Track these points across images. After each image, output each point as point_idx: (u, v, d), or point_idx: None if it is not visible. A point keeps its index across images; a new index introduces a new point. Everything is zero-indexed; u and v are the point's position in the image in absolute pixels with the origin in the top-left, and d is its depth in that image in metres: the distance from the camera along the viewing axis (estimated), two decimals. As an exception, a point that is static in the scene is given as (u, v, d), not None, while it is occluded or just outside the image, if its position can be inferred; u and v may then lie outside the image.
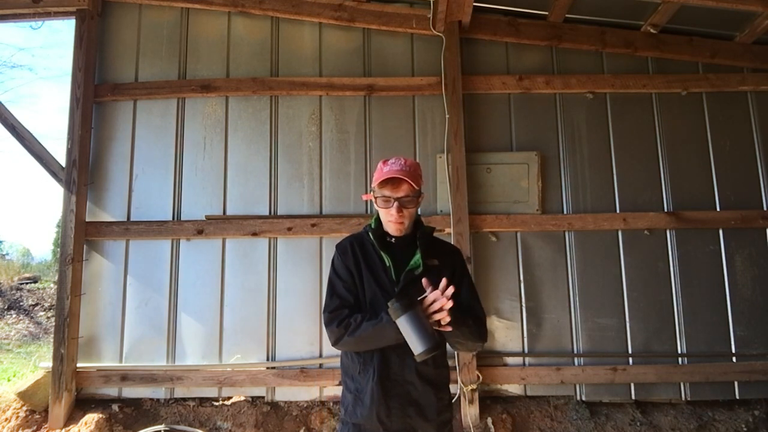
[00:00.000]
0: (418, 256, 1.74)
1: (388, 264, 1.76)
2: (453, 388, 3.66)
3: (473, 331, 1.72)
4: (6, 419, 3.55)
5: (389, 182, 1.73)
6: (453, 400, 3.53)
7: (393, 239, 1.80)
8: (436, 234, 1.93)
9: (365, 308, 1.76)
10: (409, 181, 1.71)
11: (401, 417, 1.72)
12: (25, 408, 3.64)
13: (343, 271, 1.82)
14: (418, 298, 1.58)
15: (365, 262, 1.80)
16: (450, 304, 1.55)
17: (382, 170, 1.76)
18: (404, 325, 1.53)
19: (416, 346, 1.53)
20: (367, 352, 1.74)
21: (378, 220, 1.84)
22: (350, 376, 1.80)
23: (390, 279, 1.75)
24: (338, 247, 1.88)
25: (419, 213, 1.86)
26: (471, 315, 1.75)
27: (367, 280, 1.77)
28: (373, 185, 1.78)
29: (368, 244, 1.82)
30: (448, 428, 1.80)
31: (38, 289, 9.17)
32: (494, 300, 3.85)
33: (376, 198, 1.78)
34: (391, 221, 1.76)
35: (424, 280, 1.61)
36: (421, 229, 1.84)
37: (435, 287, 1.61)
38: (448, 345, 1.82)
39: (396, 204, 1.72)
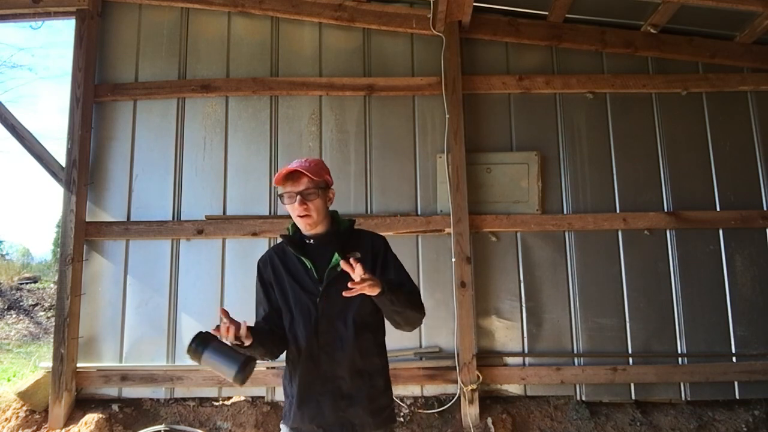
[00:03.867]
0: (336, 256, 1.73)
1: (309, 266, 1.78)
2: (453, 388, 3.67)
3: (408, 298, 1.73)
4: (6, 419, 3.55)
5: (288, 178, 1.76)
6: (453, 401, 3.54)
7: (311, 240, 1.81)
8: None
9: (292, 315, 1.79)
10: (308, 174, 1.74)
11: (333, 411, 1.73)
12: (25, 408, 3.63)
13: (258, 290, 1.90)
14: (209, 332, 1.58)
15: (286, 270, 1.82)
16: (364, 278, 1.52)
17: (280, 171, 1.78)
18: (208, 362, 1.54)
19: (227, 373, 1.54)
20: (295, 356, 1.77)
21: (294, 226, 1.86)
22: (287, 381, 1.83)
23: (313, 280, 1.77)
24: (260, 260, 1.93)
25: (334, 209, 1.91)
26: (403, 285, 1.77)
27: (291, 286, 1.79)
28: (275, 185, 1.79)
29: (289, 251, 1.83)
30: (387, 413, 1.81)
31: (38, 289, 9.17)
32: (494, 300, 3.85)
33: (281, 198, 1.79)
34: (298, 216, 1.77)
35: (341, 262, 1.59)
36: (338, 225, 1.85)
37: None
38: (386, 328, 1.85)
39: (299, 197, 1.73)
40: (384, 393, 1.82)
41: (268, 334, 1.77)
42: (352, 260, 1.55)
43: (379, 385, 1.80)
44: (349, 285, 1.53)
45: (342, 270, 1.65)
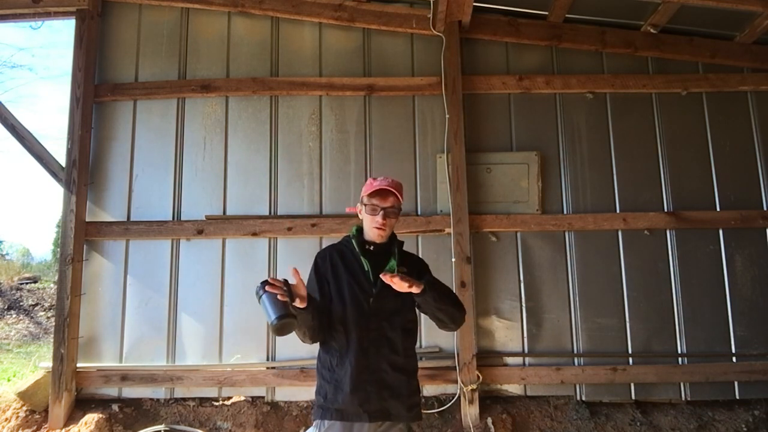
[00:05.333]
0: (393, 262, 1.99)
1: (366, 268, 2.00)
2: (453, 388, 3.67)
3: (449, 295, 2.00)
4: (6, 419, 3.55)
5: (378, 194, 1.99)
6: (454, 401, 3.54)
7: (371, 247, 2.04)
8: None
9: (345, 309, 1.98)
10: (396, 194, 1.99)
11: (378, 400, 1.93)
12: (25, 408, 3.63)
13: (312, 280, 2.06)
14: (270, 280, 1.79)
15: (345, 267, 2.04)
16: (401, 281, 1.80)
17: (373, 184, 2.01)
18: (262, 303, 1.77)
19: (268, 318, 1.73)
20: (344, 345, 1.97)
21: (358, 230, 2.09)
22: (327, 368, 2.00)
23: (368, 281, 1.99)
24: (318, 255, 2.13)
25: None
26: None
27: (348, 282, 2.01)
28: (362, 195, 2.03)
29: (348, 252, 2.07)
30: (417, 410, 2.03)
31: (38, 289, 9.17)
32: (494, 300, 3.85)
33: (365, 206, 2.02)
34: (375, 227, 1.99)
35: (383, 275, 1.83)
36: (395, 240, 2.10)
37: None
38: (419, 333, 2.10)
39: (382, 212, 1.97)
40: (417, 392, 2.07)
41: (322, 315, 1.95)
42: (392, 274, 1.82)
43: (415, 384, 2.05)
44: (395, 282, 1.79)
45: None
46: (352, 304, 1.97)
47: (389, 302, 1.97)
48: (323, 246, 3.83)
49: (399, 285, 1.81)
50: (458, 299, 2.07)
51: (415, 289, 1.83)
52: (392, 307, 1.98)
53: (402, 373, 1.98)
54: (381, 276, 1.83)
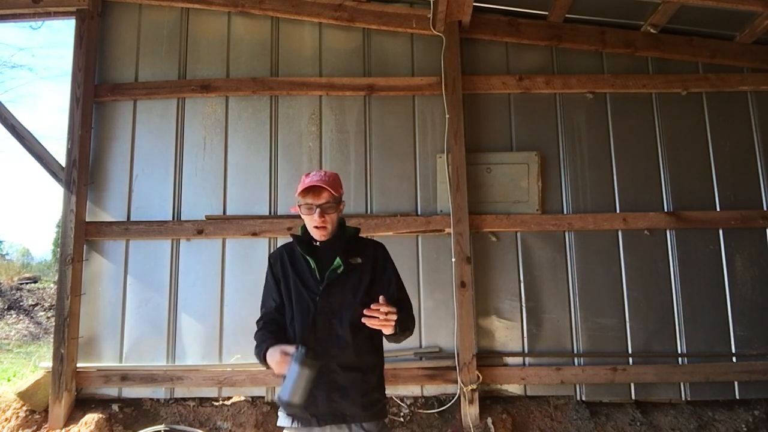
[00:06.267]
0: (338, 258, 1.91)
1: (312, 266, 1.94)
2: (453, 388, 3.66)
3: (408, 325, 1.90)
4: (6, 419, 3.55)
5: (310, 191, 1.90)
6: (453, 401, 3.54)
7: (318, 243, 1.97)
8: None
9: (292, 310, 1.94)
10: (329, 189, 1.89)
11: (327, 402, 1.85)
12: (25, 408, 3.63)
13: (269, 282, 2.04)
14: (312, 360, 1.70)
15: (292, 267, 1.98)
16: (390, 323, 1.74)
17: (304, 181, 1.93)
18: (293, 372, 1.67)
19: (285, 392, 1.67)
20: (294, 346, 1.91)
21: (304, 228, 2.01)
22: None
23: (315, 279, 1.93)
24: (271, 256, 2.09)
25: (342, 216, 2.05)
26: (401, 308, 1.88)
27: (294, 282, 1.95)
28: (296, 195, 1.94)
29: (297, 250, 1.99)
30: (378, 407, 1.93)
31: (38, 289, 9.17)
32: (494, 300, 3.85)
33: (300, 206, 1.95)
34: (315, 226, 1.92)
35: (364, 310, 1.75)
36: (344, 231, 2.01)
37: (367, 305, 1.79)
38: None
39: (318, 210, 1.89)
40: (376, 389, 1.96)
41: (281, 337, 1.92)
42: (380, 300, 1.76)
43: (371, 381, 1.93)
44: (366, 313, 1.73)
45: (341, 272, 1.90)
46: (298, 305, 1.92)
47: (337, 299, 1.89)
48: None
49: (370, 323, 1.74)
50: (413, 321, 1.97)
51: (385, 329, 1.76)
52: (341, 303, 1.89)
53: (355, 371, 1.88)
54: (363, 318, 1.75)
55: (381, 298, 1.76)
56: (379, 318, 1.73)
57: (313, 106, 4.08)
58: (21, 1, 4.01)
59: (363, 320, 1.74)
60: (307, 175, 1.97)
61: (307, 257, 1.94)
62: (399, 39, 4.14)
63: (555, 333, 3.83)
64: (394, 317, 1.74)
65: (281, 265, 2.01)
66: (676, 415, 3.68)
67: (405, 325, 1.86)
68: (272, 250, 3.85)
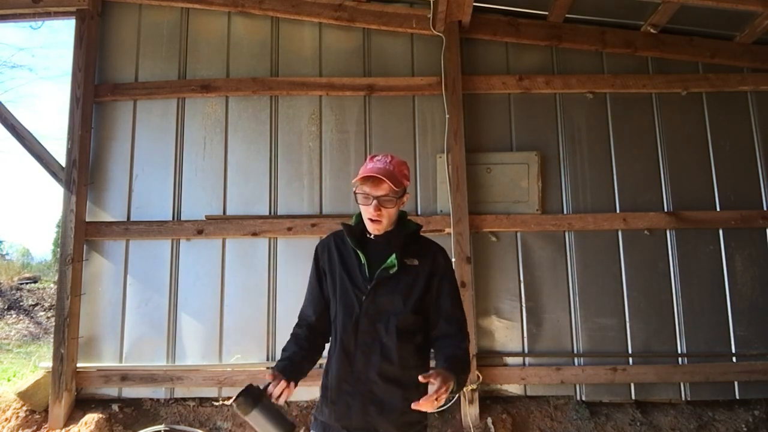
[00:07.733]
0: (393, 256, 1.69)
1: (363, 261, 1.73)
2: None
3: (464, 382, 1.63)
4: (6, 419, 3.55)
5: (369, 180, 1.69)
6: (453, 401, 3.54)
7: (372, 236, 1.76)
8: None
9: (337, 307, 1.77)
10: (389, 182, 1.65)
11: (361, 415, 1.67)
12: (25, 408, 3.63)
13: (312, 277, 1.86)
14: (263, 387, 1.55)
15: (340, 260, 1.78)
16: (438, 393, 1.45)
17: (366, 166, 1.73)
18: (256, 420, 1.49)
19: None
20: (333, 349, 1.75)
21: (359, 216, 1.79)
22: (325, 372, 1.79)
23: (364, 276, 1.72)
24: (319, 244, 1.90)
25: (404, 210, 1.84)
26: (454, 327, 1.71)
27: (341, 276, 1.76)
28: (354, 180, 1.72)
29: (348, 241, 1.78)
30: (416, 429, 1.72)
31: (38, 289, 9.17)
32: (494, 300, 3.85)
33: (356, 194, 1.73)
34: (369, 219, 1.71)
35: (420, 377, 1.48)
36: (404, 226, 1.79)
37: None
38: (425, 345, 1.78)
39: (375, 203, 1.67)
40: (417, 410, 1.61)
41: (305, 364, 1.76)
42: (430, 381, 1.46)
43: (413, 399, 1.53)
44: (414, 407, 1.43)
45: (393, 273, 1.67)
46: (342, 303, 1.73)
47: (385, 302, 1.68)
48: (323, 246, 3.87)
49: (428, 406, 1.43)
50: (467, 355, 1.70)
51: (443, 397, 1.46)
52: (388, 308, 1.68)
53: (396, 385, 1.67)
54: (413, 405, 1.42)
55: (425, 378, 1.46)
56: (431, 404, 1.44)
57: (313, 106, 4.08)
58: (21, 1, 4.01)
59: (413, 406, 1.44)
60: (372, 158, 1.76)
61: (358, 251, 1.74)
62: (399, 39, 4.14)
63: (555, 333, 3.83)
64: (444, 397, 1.45)
65: (329, 255, 1.81)
66: (676, 415, 3.68)
67: (462, 382, 1.57)
68: (272, 250, 3.86)
